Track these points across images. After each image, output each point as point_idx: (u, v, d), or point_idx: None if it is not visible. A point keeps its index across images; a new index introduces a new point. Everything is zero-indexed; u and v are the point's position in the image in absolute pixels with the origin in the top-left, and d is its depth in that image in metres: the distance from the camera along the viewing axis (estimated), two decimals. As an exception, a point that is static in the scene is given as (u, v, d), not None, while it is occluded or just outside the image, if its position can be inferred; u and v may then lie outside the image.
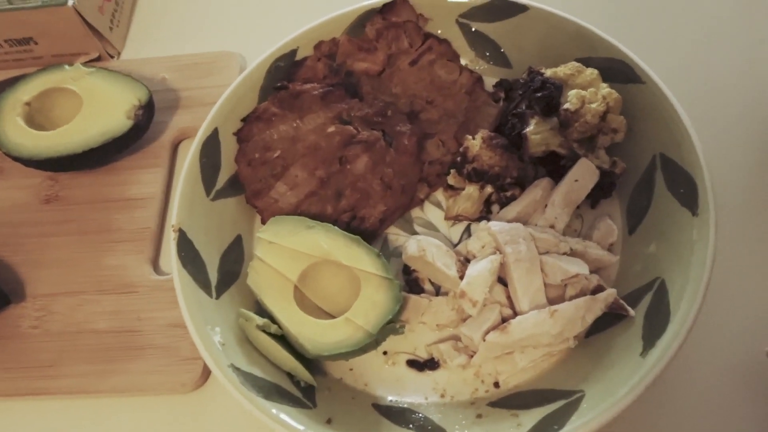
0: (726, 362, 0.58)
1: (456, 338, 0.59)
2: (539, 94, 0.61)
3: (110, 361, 0.62)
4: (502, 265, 0.58)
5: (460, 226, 0.65)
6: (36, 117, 0.72)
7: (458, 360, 0.57)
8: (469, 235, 0.64)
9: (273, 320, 0.57)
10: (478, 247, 0.59)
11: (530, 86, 0.62)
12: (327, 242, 0.58)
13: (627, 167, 0.62)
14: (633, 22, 0.77)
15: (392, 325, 0.55)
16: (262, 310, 0.59)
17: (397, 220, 0.66)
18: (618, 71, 0.63)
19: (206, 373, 0.62)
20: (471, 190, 0.63)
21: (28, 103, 0.71)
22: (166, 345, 0.63)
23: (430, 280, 0.62)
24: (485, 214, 0.64)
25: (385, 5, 0.69)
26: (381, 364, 0.59)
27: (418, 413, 0.56)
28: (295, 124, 0.66)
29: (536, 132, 0.61)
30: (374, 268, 0.57)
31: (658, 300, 0.54)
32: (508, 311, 0.57)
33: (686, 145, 0.58)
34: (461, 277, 0.57)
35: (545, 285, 0.57)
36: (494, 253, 0.58)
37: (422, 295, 0.61)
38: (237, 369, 0.54)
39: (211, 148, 0.65)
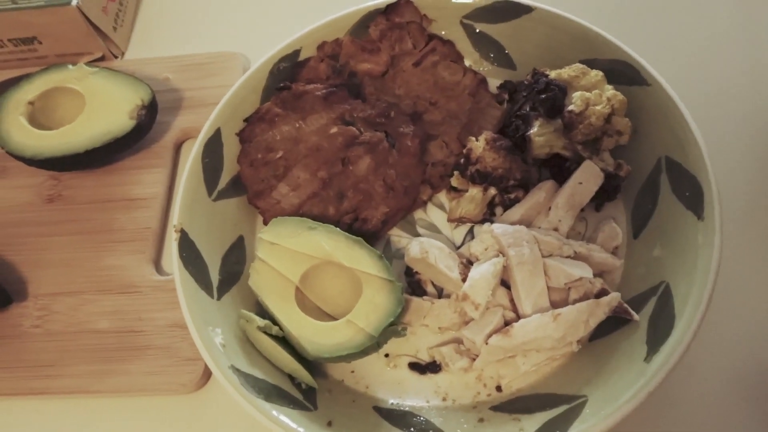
0: (730, 370, 0.57)
1: (458, 341, 0.59)
2: (543, 96, 0.60)
3: (111, 361, 0.62)
4: (505, 268, 0.57)
5: (463, 228, 0.65)
6: (39, 116, 0.72)
7: (460, 363, 0.57)
8: (473, 237, 0.64)
9: (274, 321, 0.57)
10: (480, 249, 0.59)
11: (534, 88, 0.62)
12: (329, 244, 0.58)
13: (632, 170, 0.62)
14: (638, 24, 0.77)
15: (394, 328, 0.55)
16: (263, 312, 0.59)
17: (400, 221, 0.66)
18: (623, 73, 0.62)
19: (207, 374, 0.61)
20: (474, 192, 0.63)
21: (31, 103, 0.71)
22: (167, 345, 0.62)
23: (432, 283, 0.62)
24: (488, 216, 0.64)
25: (388, 6, 0.69)
26: (382, 366, 0.59)
27: (420, 417, 0.56)
28: (297, 125, 0.65)
29: (540, 134, 0.60)
30: (376, 269, 0.57)
31: (663, 304, 0.54)
32: (510, 314, 0.57)
33: (692, 148, 0.57)
34: (464, 280, 0.57)
35: (548, 288, 0.57)
36: (497, 255, 0.58)
37: (424, 297, 0.60)
38: (237, 370, 0.54)
39: (213, 148, 0.65)
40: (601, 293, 0.56)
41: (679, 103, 0.59)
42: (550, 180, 0.63)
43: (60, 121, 0.71)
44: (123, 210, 0.71)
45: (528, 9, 0.67)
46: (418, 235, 0.65)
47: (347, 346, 0.54)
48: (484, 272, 0.56)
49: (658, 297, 0.55)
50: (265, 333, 0.56)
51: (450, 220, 0.65)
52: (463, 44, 0.70)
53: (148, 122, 0.71)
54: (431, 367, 0.58)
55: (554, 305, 0.56)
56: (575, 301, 0.56)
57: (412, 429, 0.54)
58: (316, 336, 0.55)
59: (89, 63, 0.77)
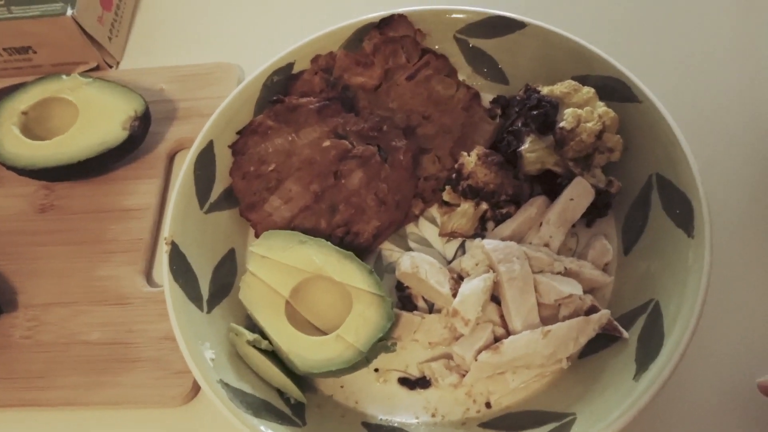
0: (718, 388, 0.57)
1: (448, 357, 0.59)
2: (535, 112, 0.60)
3: (101, 373, 0.62)
4: (496, 284, 0.57)
5: (455, 243, 0.65)
6: (33, 126, 0.72)
7: (449, 379, 0.56)
8: (464, 252, 0.64)
9: (264, 335, 0.57)
10: (471, 264, 0.59)
11: (526, 104, 0.62)
12: (319, 257, 0.58)
13: (623, 187, 0.62)
14: (631, 41, 0.77)
15: (383, 343, 0.55)
16: (253, 325, 0.59)
17: (392, 235, 0.66)
18: (615, 90, 0.63)
19: (197, 387, 0.61)
20: (466, 206, 0.63)
21: (25, 113, 0.71)
22: (157, 358, 0.62)
23: (423, 297, 0.62)
24: (480, 231, 0.64)
25: (382, 20, 0.69)
26: (372, 381, 0.59)
27: (409, 433, 0.55)
28: (290, 138, 0.65)
29: (531, 150, 0.60)
30: (366, 284, 0.57)
31: (653, 322, 0.54)
32: (501, 330, 0.57)
33: (682, 165, 0.57)
34: (454, 295, 0.57)
35: (539, 304, 0.57)
36: (488, 271, 0.58)
37: (415, 312, 0.60)
38: (226, 384, 0.54)
39: (205, 160, 0.65)
40: (591, 310, 0.56)
41: (671, 121, 0.59)
42: (541, 196, 0.63)
43: (54, 131, 0.71)
44: (116, 220, 0.70)
45: (521, 25, 0.67)
46: (409, 249, 0.65)
47: (336, 362, 0.54)
48: (474, 288, 0.56)
49: (647, 314, 0.55)
50: (255, 347, 0.56)
51: (442, 235, 0.65)
52: (457, 59, 0.71)
53: (142, 133, 0.71)
54: (421, 383, 0.58)
55: (544, 321, 0.56)
56: (565, 318, 0.56)
57: (400, 445, 0.54)
58: (305, 351, 0.55)
59: (84, 73, 0.77)
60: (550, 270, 0.58)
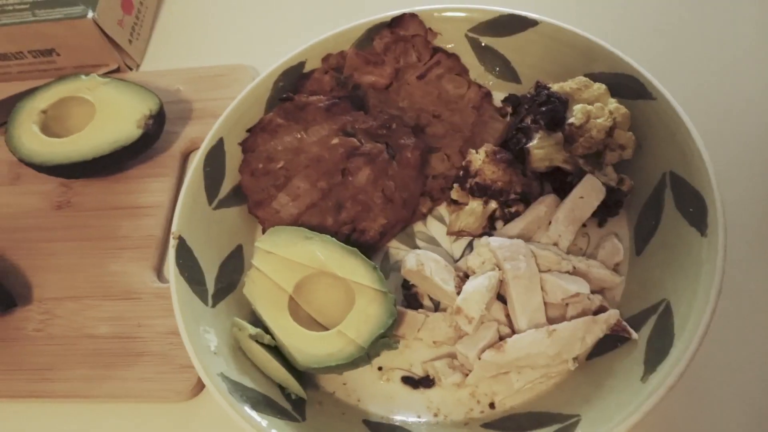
0: (730, 392, 0.55)
1: (452, 356, 0.57)
2: (544, 109, 0.59)
3: (108, 366, 0.63)
4: (502, 282, 0.56)
5: (463, 242, 0.64)
6: (52, 125, 0.73)
7: (453, 378, 0.55)
8: (472, 251, 0.63)
9: (267, 330, 0.57)
10: (477, 263, 0.58)
11: (536, 101, 0.61)
12: (323, 253, 0.58)
13: (636, 185, 0.60)
14: (646, 39, 0.75)
15: (385, 340, 0.54)
16: (257, 321, 0.58)
17: (400, 234, 0.65)
18: (628, 87, 0.61)
19: (202, 382, 0.61)
20: (474, 205, 0.62)
21: (44, 111, 0.73)
22: (163, 352, 0.63)
23: (429, 296, 0.61)
24: (488, 230, 0.63)
25: (393, 19, 0.69)
26: (375, 379, 0.58)
27: (410, 432, 0.54)
28: (299, 136, 0.66)
29: (539, 146, 0.59)
30: (369, 280, 0.56)
31: (663, 323, 0.52)
32: (506, 330, 0.56)
33: (696, 163, 0.55)
34: (459, 293, 0.56)
35: (546, 304, 0.55)
36: (494, 269, 0.57)
37: (420, 310, 0.59)
38: (226, 378, 0.54)
39: (215, 157, 0.65)
40: (600, 310, 0.54)
41: (685, 117, 0.57)
42: (551, 194, 0.62)
43: (72, 129, 0.72)
44: (129, 217, 0.71)
45: (533, 23, 0.66)
46: (417, 247, 0.64)
47: (337, 357, 0.53)
48: (478, 286, 0.55)
49: (658, 315, 0.53)
50: (257, 342, 0.56)
51: (449, 233, 0.64)
52: (468, 58, 0.70)
53: (156, 131, 0.72)
54: (424, 382, 0.57)
55: (552, 321, 0.55)
56: (573, 318, 0.55)
57: (401, 444, 0.53)
58: (306, 345, 0.55)
59: (104, 74, 0.79)
60: (557, 269, 0.56)
